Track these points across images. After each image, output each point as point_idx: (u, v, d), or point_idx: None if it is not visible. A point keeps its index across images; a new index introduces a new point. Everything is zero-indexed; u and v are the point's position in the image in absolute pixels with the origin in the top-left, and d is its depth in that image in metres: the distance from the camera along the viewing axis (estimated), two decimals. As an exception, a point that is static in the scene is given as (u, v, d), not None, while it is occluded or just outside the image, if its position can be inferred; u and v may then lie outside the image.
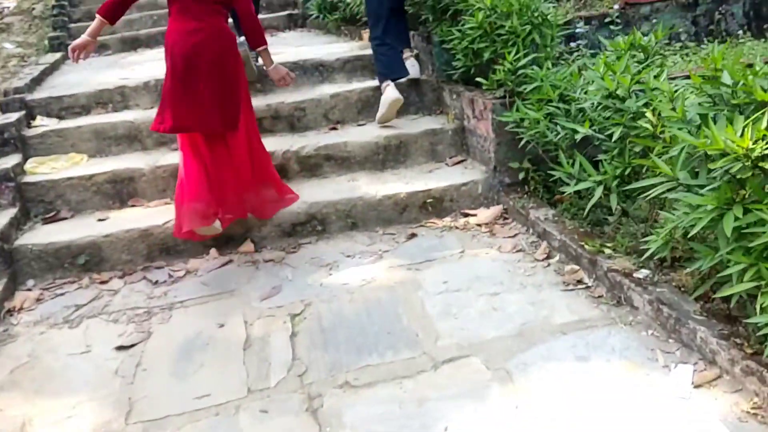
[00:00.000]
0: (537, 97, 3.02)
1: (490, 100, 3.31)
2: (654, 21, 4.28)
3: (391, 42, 3.80)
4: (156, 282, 3.09)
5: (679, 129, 2.07)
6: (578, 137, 2.65)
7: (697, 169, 2.09)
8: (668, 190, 2.07)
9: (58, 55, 6.43)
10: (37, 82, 4.85)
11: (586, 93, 2.72)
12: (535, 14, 3.26)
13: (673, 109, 2.14)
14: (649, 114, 2.22)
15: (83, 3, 7.75)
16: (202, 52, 2.91)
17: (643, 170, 2.41)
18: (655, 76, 2.40)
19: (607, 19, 4.11)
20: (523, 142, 3.05)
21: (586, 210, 2.63)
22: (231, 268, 3.15)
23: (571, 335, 2.30)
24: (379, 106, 3.80)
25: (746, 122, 1.85)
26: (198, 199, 2.99)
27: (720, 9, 4.45)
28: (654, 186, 2.12)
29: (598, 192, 2.48)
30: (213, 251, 3.28)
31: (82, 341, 2.67)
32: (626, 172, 2.40)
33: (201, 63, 2.90)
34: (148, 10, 7.49)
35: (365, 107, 4.05)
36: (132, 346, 2.59)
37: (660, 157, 2.20)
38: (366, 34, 4.77)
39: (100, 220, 3.45)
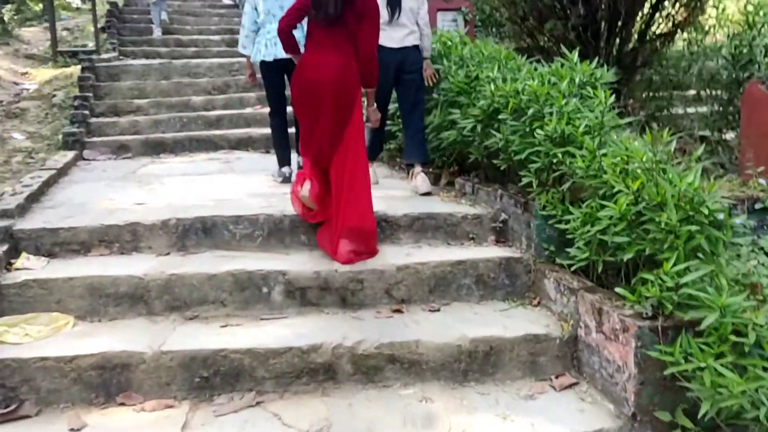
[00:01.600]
0: (716, 337, 2.10)
1: (632, 321, 2.38)
2: (818, 209, 3.41)
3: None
4: None
5: None
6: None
7: None
8: None
9: (69, 156, 5.68)
10: (33, 199, 4.01)
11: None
12: (700, 208, 2.37)
13: None
14: None
15: (109, 96, 7.10)
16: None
17: None
18: None
19: (758, 205, 3.26)
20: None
21: None
22: None
23: None
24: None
25: None
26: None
27: None
28: None
29: None
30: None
31: None
32: None
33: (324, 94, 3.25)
34: (177, 111, 6.83)
35: (439, 285, 3.14)
36: None
37: None
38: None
39: (72, 430, 2.48)
